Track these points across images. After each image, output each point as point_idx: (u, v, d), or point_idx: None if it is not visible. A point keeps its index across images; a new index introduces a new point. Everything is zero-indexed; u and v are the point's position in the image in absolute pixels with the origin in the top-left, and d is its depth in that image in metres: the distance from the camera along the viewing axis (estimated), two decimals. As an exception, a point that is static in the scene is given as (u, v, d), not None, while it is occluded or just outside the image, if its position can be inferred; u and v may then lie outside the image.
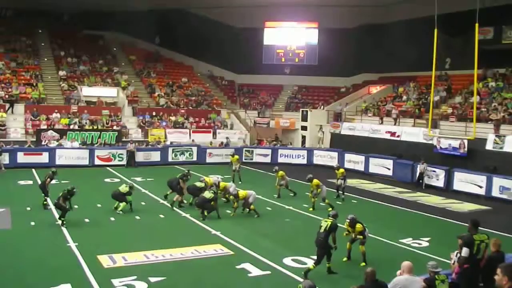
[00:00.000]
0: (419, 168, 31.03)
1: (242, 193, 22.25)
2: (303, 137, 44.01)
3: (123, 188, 22.26)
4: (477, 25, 28.46)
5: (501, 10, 36.02)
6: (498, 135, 30.28)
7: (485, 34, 36.19)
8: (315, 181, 23.96)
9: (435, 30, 30.38)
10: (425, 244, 18.18)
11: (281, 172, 26.68)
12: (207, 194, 21.43)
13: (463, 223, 20.70)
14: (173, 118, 43.16)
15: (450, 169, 29.96)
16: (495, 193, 27.36)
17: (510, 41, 36.33)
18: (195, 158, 38.00)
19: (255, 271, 14.66)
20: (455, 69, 39.40)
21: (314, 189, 24.01)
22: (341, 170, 27.00)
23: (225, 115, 46.41)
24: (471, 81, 34.22)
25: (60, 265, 14.69)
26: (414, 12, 40.91)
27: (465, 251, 10.93)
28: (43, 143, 35.95)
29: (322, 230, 14.44)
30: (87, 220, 20.17)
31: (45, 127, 37.61)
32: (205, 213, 20.84)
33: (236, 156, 32.39)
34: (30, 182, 28.57)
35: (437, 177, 30.55)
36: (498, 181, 27.42)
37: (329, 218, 14.82)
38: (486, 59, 34.45)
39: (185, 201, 23.34)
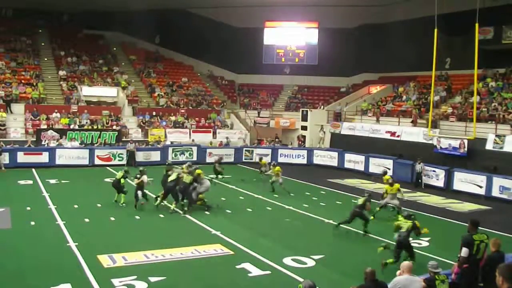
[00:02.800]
0: (416, 168, 31.09)
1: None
2: (304, 137, 43.93)
3: (119, 174, 23.01)
4: (477, 25, 28.48)
5: (501, 10, 36.00)
6: (498, 135, 30.29)
7: (485, 34, 36.18)
8: (397, 185, 23.04)
9: (435, 30, 30.40)
10: (425, 244, 18.15)
11: (277, 168, 26.79)
12: (187, 178, 21.63)
13: (463, 223, 20.73)
14: (173, 118, 43.15)
15: (450, 169, 29.99)
16: (495, 193, 27.37)
17: (510, 41, 36.31)
18: (195, 158, 37.93)
19: (255, 271, 14.66)
20: (455, 69, 39.54)
21: (395, 193, 22.78)
22: (397, 185, 23.20)
23: (225, 115, 46.40)
24: (471, 81, 34.25)
25: (60, 265, 14.67)
26: (414, 12, 40.95)
27: (464, 251, 10.95)
28: (43, 143, 35.95)
29: (404, 229, 14.90)
30: (87, 220, 20.15)
31: (45, 127, 37.58)
32: (186, 208, 21.14)
33: (278, 168, 27.97)
34: (30, 182, 28.54)
35: (437, 177, 30.58)
36: (498, 181, 27.44)
37: (408, 219, 15.04)
38: (486, 59, 34.52)
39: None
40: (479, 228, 11.66)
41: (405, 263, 10.27)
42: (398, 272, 10.23)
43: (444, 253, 15.28)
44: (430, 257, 14.29)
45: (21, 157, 33.40)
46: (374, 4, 45.54)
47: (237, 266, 14.99)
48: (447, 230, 20.81)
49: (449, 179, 29.78)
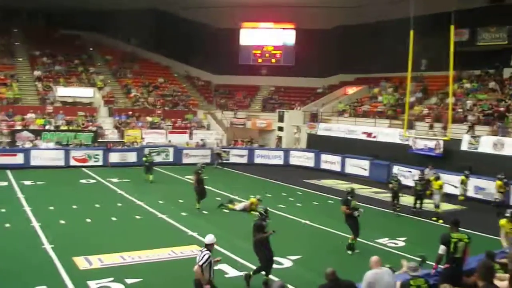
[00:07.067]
0: (427, 173, 30.18)
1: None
2: (280, 138, 44.02)
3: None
4: (452, 27, 28.75)
5: (476, 12, 36.48)
6: (473, 136, 30.58)
7: (460, 36, 36.60)
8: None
9: (411, 32, 30.59)
10: (401, 244, 18.30)
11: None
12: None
13: (439, 223, 21.00)
14: (149, 119, 42.97)
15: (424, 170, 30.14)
16: (471, 193, 27.63)
17: (484, 43, 36.77)
18: (171, 159, 37.87)
19: (232, 272, 14.71)
20: (430, 70, 39.87)
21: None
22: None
23: (202, 115, 46.31)
24: (447, 82, 34.48)
25: (36, 267, 14.58)
26: (390, 13, 41.08)
27: (441, 249, 11.08)
28: (18, 143, 35.63)
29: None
30: (62, 221, 20.02)
31: (20, 127, 37.27)
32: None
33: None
34: (5, 183, 28.29)
35: (413, 178, 30.67)
36: (473, 181, 27.71)
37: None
38: (461, 60, 34.78)
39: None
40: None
41: (371, 258, 10.27)
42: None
43: (420, 252, 15.34)
44: (406, 257, 14.36)
45: (-5, 158, 33.11)
46: (351, 6, 45.66)
47: (214, 267, 14.95)
48: (423, 230, 21.03)
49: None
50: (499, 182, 24.97)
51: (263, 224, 14.15)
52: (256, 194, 23.76)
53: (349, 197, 17.37)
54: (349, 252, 16.94)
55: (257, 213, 14.76)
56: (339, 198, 26.91)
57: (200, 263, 11.21)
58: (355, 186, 30.64)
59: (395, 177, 24.72)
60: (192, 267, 15.14)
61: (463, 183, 26.47)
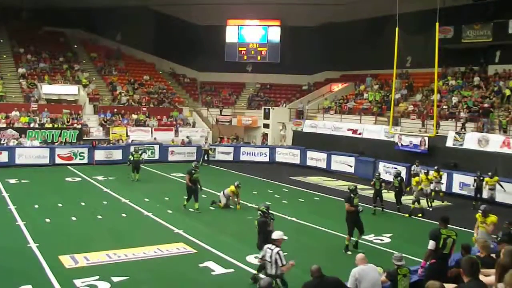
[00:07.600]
0: (414, 169, 29.92)
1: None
2: (266, 135, 44.06)
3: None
4: (437, 24, 28.91)
5: (461, 10, 36.69)
6: (458, 132, 30.76)
7: (445, 33, 36.77)
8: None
9: (396, 29, 30.73)
10: (387, 240, 18.37)
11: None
12: None
13: (424, 219, 21.11)
14: (134, 116, 42.83)
15: (411, 166, 30.28)
16: (455, 189, 27.82)
17: (469, 40, 36.92)
18: (157, 157, 37.80)
19: (218, 269, 14.66)
20: (416, 67, 40.04)
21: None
22: (496, 178, 25.15)
23: (187, 113, 46.22)
24: (432, 79, 34.65)
25: (21, 267, 14.47)
26: (376, 10, 41.18)
27: (430, 244, 11.20)
28: (2, 142, 35.41)
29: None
30: (48, 220, 19.91)
31: (4, 125, 36.97)
32: None
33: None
34: (-11, 182, 28.12)
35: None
36: (458, 178, 27.94)
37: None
38: (446, 57, 35.09)
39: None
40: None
41: (357, 256, 10.62)
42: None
43: (404, 248, 15.42)
44: (392, 253, 14.43)
45: (-20, 157, 32.86)
46: (336, 3, 45.73)
47: (200, 265, 14.97)
48: (408, 226, 21.16)
49: (410, 176, 30.04)
50: (488, 179, 25.02)
51: (267, 221, 14.41)
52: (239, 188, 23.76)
53: (351, 195, 17.35)
54: (349, 252, 16.65)
55: (259, 212, 14.75)
56: (325, 195, 27.28)
57: (284, 262, 11.77)
58: (341, 183, 31.15)
59: (377, 176, 24.58)
60: (178, 264, 15.24)
61: (434, 177, 26.42)
